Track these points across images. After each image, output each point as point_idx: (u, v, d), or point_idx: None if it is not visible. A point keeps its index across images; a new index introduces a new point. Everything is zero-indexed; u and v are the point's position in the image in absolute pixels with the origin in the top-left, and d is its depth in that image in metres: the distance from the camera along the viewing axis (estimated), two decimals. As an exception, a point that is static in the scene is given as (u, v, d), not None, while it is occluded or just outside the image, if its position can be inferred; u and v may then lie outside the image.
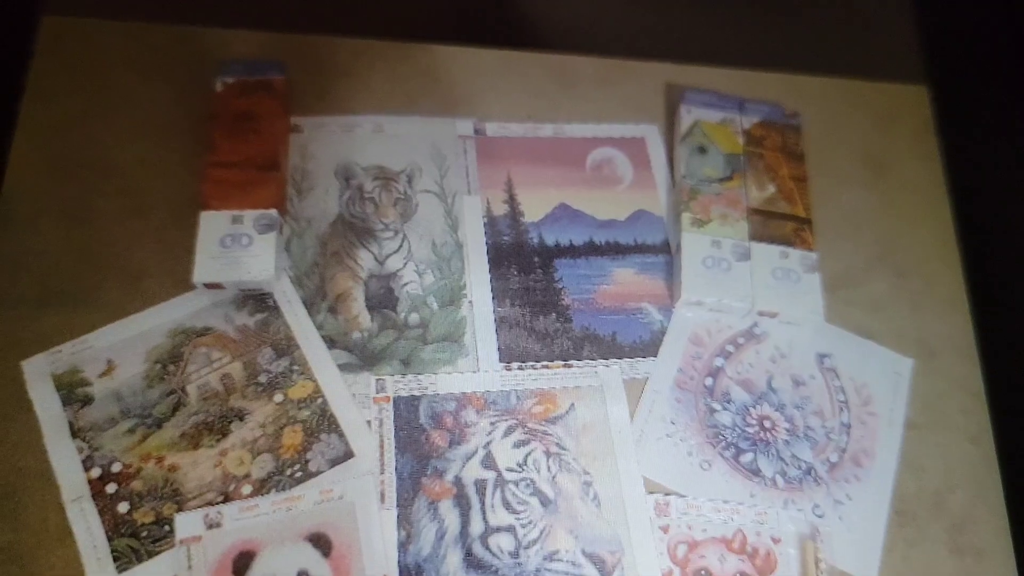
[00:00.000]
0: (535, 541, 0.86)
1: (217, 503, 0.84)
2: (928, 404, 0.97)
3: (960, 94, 1.12)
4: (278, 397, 0.89)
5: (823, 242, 1.01)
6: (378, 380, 0.91)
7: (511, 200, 1.01)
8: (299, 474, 0.86)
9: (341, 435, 0.88)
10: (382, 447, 0.88)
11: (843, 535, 0.91)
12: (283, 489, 0.86)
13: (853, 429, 0.95)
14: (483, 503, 0.87)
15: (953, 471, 0.95)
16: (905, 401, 0.97)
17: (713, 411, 0.94)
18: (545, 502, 0.87)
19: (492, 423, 0.90)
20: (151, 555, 0.83)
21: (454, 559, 0.85)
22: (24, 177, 0.95)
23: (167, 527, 0.83)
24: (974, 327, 1.02)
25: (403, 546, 0.85)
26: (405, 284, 0.95)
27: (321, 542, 0.84)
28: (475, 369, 0.92)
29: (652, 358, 0.95)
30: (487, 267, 0.97)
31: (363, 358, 0.91)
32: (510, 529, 0.86)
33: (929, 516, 0.93)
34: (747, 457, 0.92)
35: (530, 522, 0.86)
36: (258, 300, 0.92)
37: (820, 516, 0.91)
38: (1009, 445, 0.96)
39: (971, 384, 0.99)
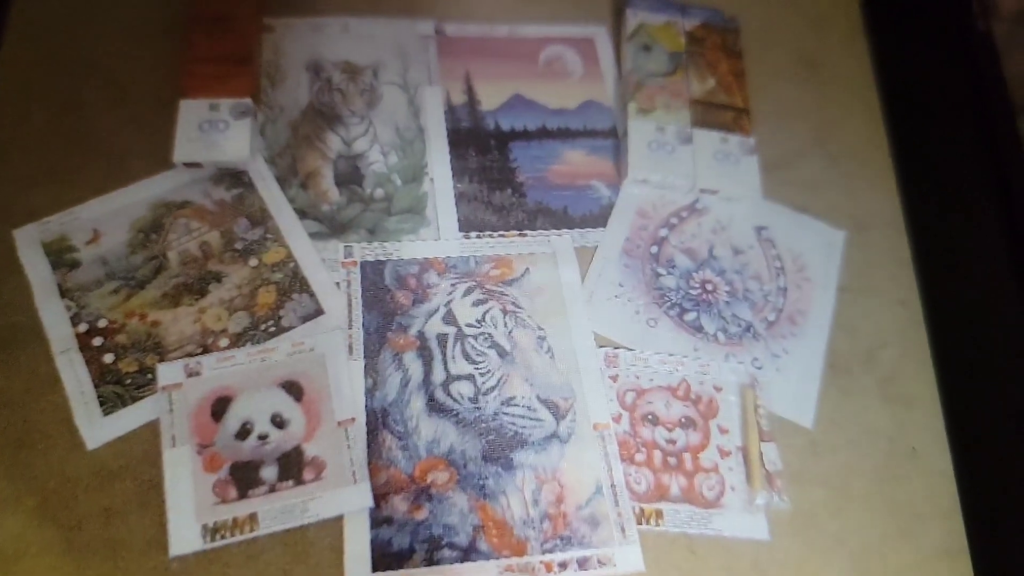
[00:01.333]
0: (493, 388, 0.93)
1: (197, 355, 0.91)
2: (859, 271, 1.04)
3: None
4: (253, 261, 0.96)
5: (761, 130, 1.09)
6: (346, 247, 0.98)
7: (469, 91, 1.09)
8: (273, 329, 0.93)
9: (312, 295, 0.95)
10: (350, 305, 0.95)
11: (780, 385, 0.98)
12: (258, 342, 0.92)
13: (789, 292, 1.02)
14: (444, 354, 0.94)
15: (883, 330, 1.02)
16: (838, 268, 1.05)
17: (659, 275, 1.01)
18: (502, 354, 0.94)
19: (452, 284, 0.97)
20: (135, 400, 0.89)
21: (418, 403, 0.91)
22: (15, 71, 1.02)
23: (150, 376, 0.89)
24: (901, 204, 1.10)
25: (370, 392, 0.91)
26: (371, 164, 1.02)
27: (293, 388, 0.90)
28: (436, 237, 0.99)
29: (601, 228, 1.03)
30: (447, 148, 1.04)
31: (332, 228, 0.98)
32: (470, 377, 0.93)
33: (861, 370, 1.00)
34: (691, 316, 1.00)
35: (488, 371, 0.93)
36: (234, 177, 1.00)
37: (759, 368, 0.98)
38: (935, 307, 1.03)
39: (899, 254, 1.07)
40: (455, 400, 0.91)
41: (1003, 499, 0.94)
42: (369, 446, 0.89)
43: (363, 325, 0.93)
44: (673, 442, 0.93)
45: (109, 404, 0.87)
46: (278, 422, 0.88)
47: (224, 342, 0.91)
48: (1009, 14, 1.07)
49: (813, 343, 0.99)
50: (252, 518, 0.84)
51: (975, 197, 1.03)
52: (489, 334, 0.94)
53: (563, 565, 0.86)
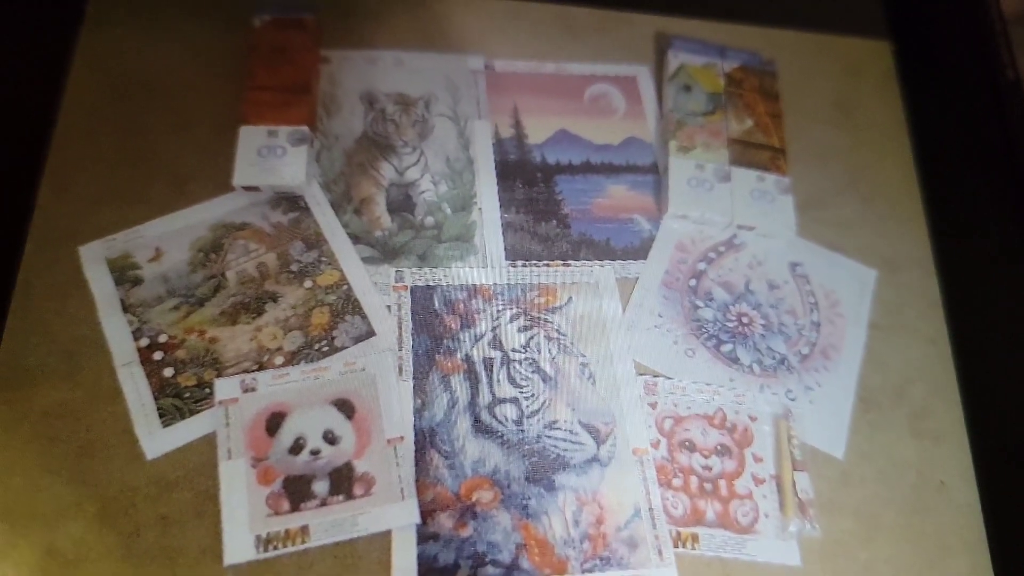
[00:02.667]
0: (536, 412, 0.96)
1: (252, 371, 0.94)
2: (890, 310, 1.08)
3: (919, 48, 1.25)
4: (308, 283, 1.00)
5: (796, 170, 1.13)
6: (397, 271, 1.02)
7: (517, 125, 1.13)
8: (326, 348, 0.97)
9: (364, 317, 0.99)
10: (400, 328, 0.99)
11: (813, 416, 1.01)
12: (311, 361, 0.96)
13: (822, 327, 1.06)
14: (490, 378, 0.97)
15: (913, 367, 1.06)
16: (869, 306, 1.08)
17: (696, 307, 1.05)
18: (546, 379, 0.98)
19: (499, 311, 1.01)
20: (193, 413, 0.92)
21: (464, 424, 0.95)
22: (83, 94, 1.07)
23: (207, 390, 0.93)
24: (932, 245, 1.13)
25: (418, 412, 0.95)
26: (422, 192, 1.07)
27: (345, 406, 0.94)
28: (484, 265, 1.03)
29: (642, 260, 1.06)
30: (495, 180, 1.09)
31: (384, 253, 1.02)
32: (514, 400, 0.96)
33: (891, 404, 1.03)
34: (727, 347, 1.03)
35: (532, 395, 0.97)
36: (291, 201, 1.04)
37: (792, 400, 1.01)
38: (964, 346, 1.07)
39: (929, 294, 1.10)
40: (500, 422, 0.94)
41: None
42: (417, 464, 0.92)
43: (412, 347, 0.97)
44: (709, 468, 0.96)
45: (168, 416, 0.91)
46: (330, 438, 0.91)
47: (279, 360, 0.94)
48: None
49: (845, 377, 1.03)
50: (304, 530, 0.87)
51: (1004, 240, 1.06)
52: (533, 359, 0.98)
53: (602, 584, 0.89)
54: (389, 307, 0.99)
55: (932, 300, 1.09)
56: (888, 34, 1.28)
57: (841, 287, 1.08)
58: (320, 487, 0.90)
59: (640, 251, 1.06)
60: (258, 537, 0.87)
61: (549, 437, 0.94)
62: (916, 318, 1.08)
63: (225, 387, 0.93)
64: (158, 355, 0.94)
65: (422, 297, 1.00)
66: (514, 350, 0.98)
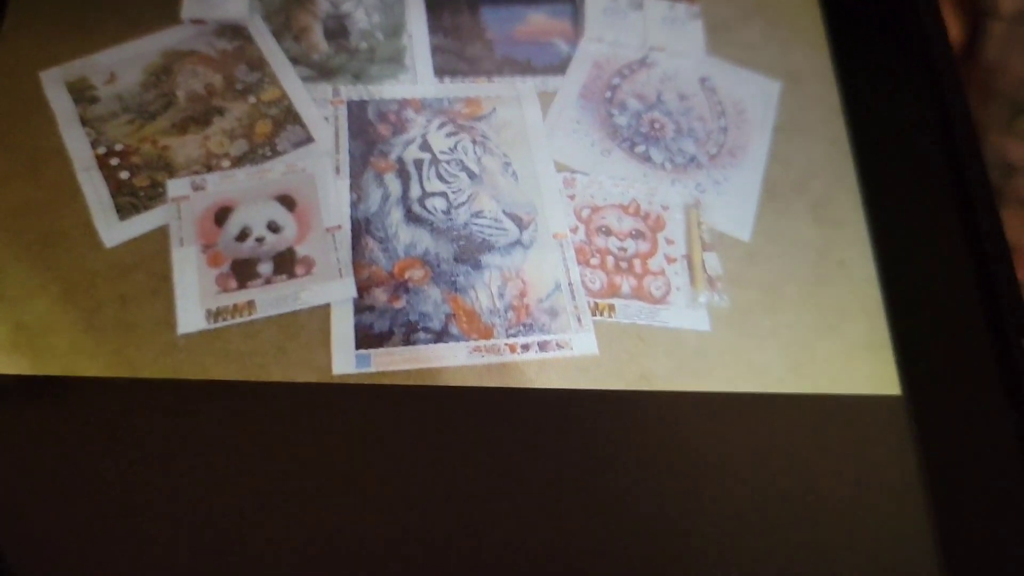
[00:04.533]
0: (464, 204, 1.05)
1: (202, 173, 1.04)
2: (793, 116, 1.17)
3: None
4: (251, 99, 1.09)
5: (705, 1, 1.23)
6: (334, 88, 1.11)
7: (444, -37, 1.23)
8: (269, 154, 1.06)
9: (303, 126, 1.08)
10: (337, 135, 1.08)
11: (721, 206, 1.10)
12: (256, 164, 1.05)
13: (729, 131, 1.15)
14: (420, 175, 1.06)
15: (815, 163, 1.14)
16: (774, 112, 1.17)
17: (612, 115, 1.15)
18: (471, 176, 1.07)
19: (427, 119, 1.10)
20: (147, 208, 1.01)
21: (397, 215, 1.04)
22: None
23: (160, 189, 1.02)
24: (832, 60, 1.23)
25: (354, 205, 1.04)
26: (356, 22, 1.16)
27: (286, 201, 1.03)
28: (414, 81, 1.13)
29: (561, 76, 1.16)
30: (424, 9, 1.18)
31: (322, 72, 1.12)
32: (443, 195, 1.06)
33: (793, 194, 1.12)
34: (640, 148, 1.13)
35: (459, 189, 1.06)
36: (235, 31, 1.13)
37: (702, 192, 1.10)
38: (862, 145, 1.15)
39: (830, 102, 1.19)
40: (430, 212, 1.03)
41: (922, 301, 1.05)
42: (354, 249, 1.01)
43: (348, 151, 1.06)
44: (624, 250, 1.05)
45: (125, 211, 1.00)
46: (273, 228, 1.00)
47: (226, 164, 1.04)
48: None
49: (751, 172, 1.12)
50: (250, 304, 0.96)
51: (899, 46, 1.15)
52: (460, 160, 1.07)
53: (525, 347, 0.98)
54: (327, 118, 1.08)
55: (833, 107, 1.18)
56: None
57: (747, 97, 1.17)
58: (265, 268, 0.98)
59: (559, 69, 1.16)
60: (208, 311, 0.95)
61: (475, 224, 1.03)
62: (817, 122, 1.16)
63: (177, 186, 1.02)
64: (115, 161, 1.03)
65: (357, 110, 1.09)
66: (442, 152, 1.07)
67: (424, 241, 1.01)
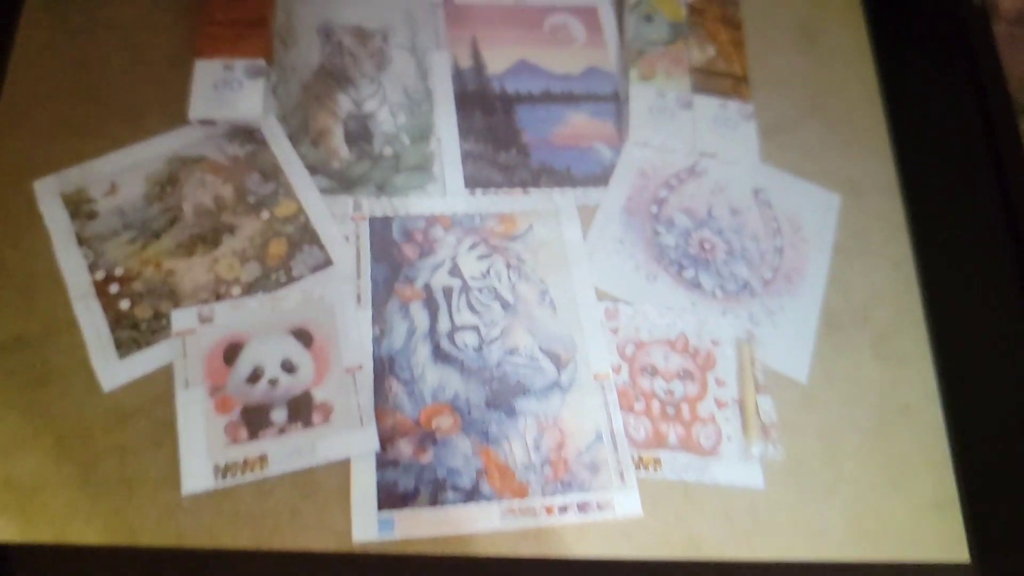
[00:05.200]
0: (496, 338, 0.96)
1: (210, 302, 0.94)
2: (854, 233, 1.07)
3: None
4: (264, 214, 0.99)
5: (759, 97, 1.12)
6: (355, 201, 1.01)
7: (476, 56, 1.12)
8: (283, 279, 0.96)
9: (321, 247, 0.98)
10: (359, 257, 0.98)
11: (776, 340, 1.00)
12: (269, 291, 0.95)
13: (785, 252, 1.05)
14: (450, 305, 0.97)
15: (877, 290, 1.05)
16: (833, 230, 1.07)
17: (658, 233, 1.04)
18: (505, 306, 0.97)
19: (458, 239, 1.00)
20: (149, 344, 0.92)
21: (423, 352, 0.94)
22: (36, 31, 1.06)
23: (164, 321, 0.92)
24: (896, 170, 1.12)
25: (377, 340, 0.94)
26: (380, 123, 1.06)
27: (303, 335, 0.93)
28: (443, 194, 1.02)
29: (603, 187, 1.06)
30: (454, 109, 1.07)
31: (342, 183, 1.01)
32: (474, 328, 0.96)
33: (855, 327, 1.03)
34: (689, 272, 1.03)
35: (492, 322, 0.96)
36: (247, 134, 1.03)
37: (755, 324, 1.01)
38: (929, 269, 1.06)
39: (894, 217, 1.09)
40: (460, 349, 0.94)
41: (993, 454, 0.95)
42: (376, 392, 0.92)
43: (371, 276, 0.97)
44: (671, 393, 0.95)
45: (125, 348, 0.90)
46: (288, 367, 0.91)
47: (236, 291, 0.94)
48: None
49: (808, 301, 1.02)
50: (262, 459, 0.87)
51: (969, 162, 1.05)
52: (493, 287, 0.97)
53: (563, 508, 0.89)
54: (347, 237, 0.98)
55: (897, 224, 1.08)
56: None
57: (804, 212, 1.07)
58: (278, 415, 0.89)
59: (601, 178, 1.06)
60: (216, 466, 0.86)
61: (509, 363, 0.94)
62: (880, 242, 1.07)
63: (182, 318, 0.92)
64: (114, 288, 0.93)
65: (380, 227, 0.99)
66: (473, 278, 0.97)
67: (453, 383, 0.92)
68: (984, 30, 1.08)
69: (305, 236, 0.97)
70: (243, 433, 0.88)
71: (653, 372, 0.96)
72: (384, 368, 0.92)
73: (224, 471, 0.86)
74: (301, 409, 0.90)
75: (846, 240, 1.06)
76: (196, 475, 0.86)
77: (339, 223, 0.99)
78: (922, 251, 1.06)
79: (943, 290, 1.04)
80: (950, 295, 1.03)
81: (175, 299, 0.93)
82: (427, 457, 0.89)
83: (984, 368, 0.99)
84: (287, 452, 0.88)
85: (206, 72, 1.01)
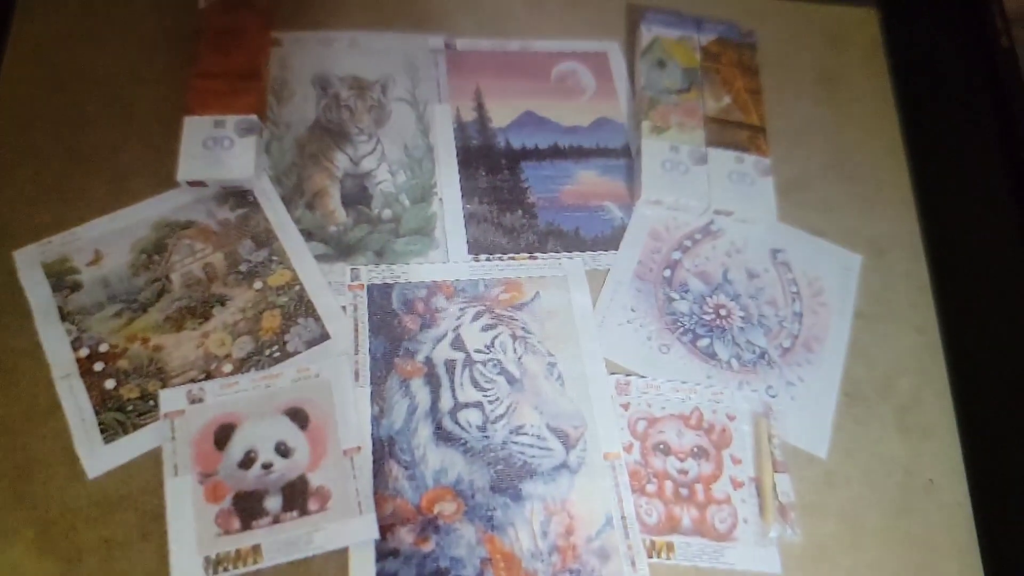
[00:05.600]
0: (502, 416, 0.91)
1: (199, 380, 0.89)
2: (876, 297, 1.02)
3: (906, 15, 1.18)
4: (257, 284, 0.94)
5: (777, 149, 1.07)
6: (352, 269, 0.96)
7: (479, 108, 1.06)
8: (277, 354, 0.91)
9: (317, 319, 0.93)
10: (356, 330, 0.93)
11: (795, 414, 0.96)
12: (262, 368, 0.90)
13: (805, 318, 1.00)
14: (452, 381, 0.92)
15: (900, 358, 1.00)
16: (854, 293, 1.02)
17: (671, 300, 0.99)
18: (511, 380, 0.92)
19: (461, 309, 0.95)
20: (136, 427, 0.87)
21: (425, 432, 0.89)
22: (17, 87, 1.01)
23: (152, 402, 0.88)
24: (920, 227, 1.07)
25: (376, 420, 0.89)
26: (379, 183, 1.00)
27: (298, 416, 0.89)
28: (445, 260, 0.97)
29: (613, 251, 1.01)
30: (456, 167, 1.02)
31: (338, 249, 0.96)
32: (478, 405, 0.91)
33: (877, 398, 0.98)
34: (704, 342, 0.98)
35: (497, 399, 0.91)
36: (239, 196, 0.98)
37: (773, 396, 0.96)
38: (954, 335, 1.01)
39: (917, 279, 1.04)
40: (463, 428, 0.89)
41: (1022, 534, 0.91)
42: (375, 476, 0.88)
43: (370, 351, 0.92)
44: (685, 472, 0.91)
45: (110, 432, 0.86)
46: (283, 451, 0.87)
47: (228, 367, 0.89)
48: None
49: (828, 371, 0.98)
50: (256, 550, 0.83)
51: (997, 221, 1.00)
52: (498, 360, 0.92)
53: (572, 599, 0.84)
54: (344, 308, 0.94)
55: (921, 286, 1.04)
56: (873, 1, 1.20)
57: (824, 274, 1.02)
58: (272, 503, 0.85)
59: (611, 241, 1.01)
60: (207, 559, 0.83)
61: (515, 443, 0.90)
62: (904, 306, 1.02)
63: (170, 398, 0.88)
64: (99, 366, 0.89)
65: (379, 296, 0.94)
66: (477, 351, 0.93)
67: (456, 465, 0.88)
68: (1013, 73, 1.02)
69: (300, 308, 0.92)
70: (235, 523, 0.84)
71: (666, 450, 0.91)
72: (383, 450, 0.88)
73: (216, 564, 0.83)
74: (296, 496, 0.85)
75: (868, 304, 1.02)
76: (186, 570, 0.83)
77: (336, 293, 0.94)
78: (947, 315, 1.02)
79: (969, 357, 0.99)
80: (976, 362, 0.99)
81: (163, 377, 0.88)
82: (429, 546, 0.85)
83: (1011, 441, 0.94)
84: (282, 542, 0.84)
85: (195, 129, 0.96)
